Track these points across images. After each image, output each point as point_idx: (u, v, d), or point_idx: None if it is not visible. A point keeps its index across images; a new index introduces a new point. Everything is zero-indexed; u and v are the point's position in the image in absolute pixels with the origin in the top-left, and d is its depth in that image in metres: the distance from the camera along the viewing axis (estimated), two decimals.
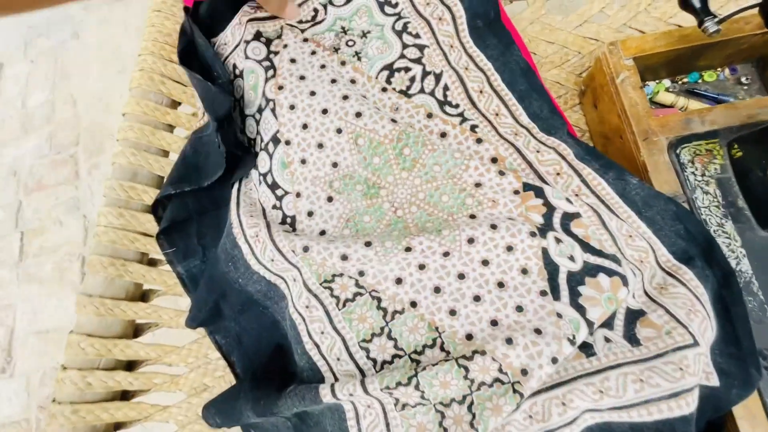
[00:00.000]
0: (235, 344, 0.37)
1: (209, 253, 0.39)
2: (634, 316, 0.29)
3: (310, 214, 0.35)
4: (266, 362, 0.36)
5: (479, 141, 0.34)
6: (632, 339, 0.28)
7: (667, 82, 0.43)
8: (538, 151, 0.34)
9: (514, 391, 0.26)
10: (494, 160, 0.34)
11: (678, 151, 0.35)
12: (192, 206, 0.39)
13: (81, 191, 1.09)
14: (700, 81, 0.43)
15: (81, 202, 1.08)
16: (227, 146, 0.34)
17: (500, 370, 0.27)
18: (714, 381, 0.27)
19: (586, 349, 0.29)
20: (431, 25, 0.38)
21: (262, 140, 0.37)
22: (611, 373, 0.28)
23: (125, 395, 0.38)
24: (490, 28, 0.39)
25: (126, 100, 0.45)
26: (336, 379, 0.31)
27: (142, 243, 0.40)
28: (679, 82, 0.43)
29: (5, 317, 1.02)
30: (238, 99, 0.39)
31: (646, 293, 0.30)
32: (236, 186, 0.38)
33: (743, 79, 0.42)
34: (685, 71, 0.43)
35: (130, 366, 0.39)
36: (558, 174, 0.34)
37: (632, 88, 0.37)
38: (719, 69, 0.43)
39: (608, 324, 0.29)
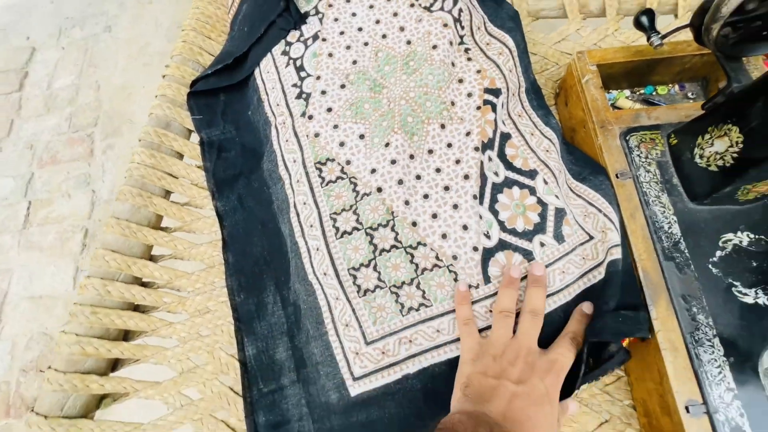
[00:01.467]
0: (231, 213, 0.45)
1: (228, 126, 0.48)
2: (560, 216, 0.37)
3: (323, 92, 0.44)
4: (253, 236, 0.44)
5: (470, 59, 0.43)
6: (559, 237, 0.36)
7: (627, 92, 0.51)
8: (511, 71, 0.44)
9: (450, 271, 0.35)
10: (479, 71, 0.42)
11: (627, 138, 0.42)
12: (220, 88, 0.49)
13: (93, 168, 1.15)
14: (654, 93, 0.51)
15: (92, 178, 1.14)
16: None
17: (437, 258, 0.36)
18: (617, 254, 0.35)
19: (528, 255, 0.35)
20: None
21: (302, 35, 0.47)
22: (547, 270, 0.35)
23: (137, 310, 0.42)
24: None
25: (165, 69, 0.52)
26: (306, 243, 0.39)
27: (168, 182, 0.46)
28: (637, 93, 0.51)
29: (0, 280, 1.04)
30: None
31: (568, 190, 0.39)
32: (258, 75, 0.47)
33: (689, 95, 0.50)
34: (641, 84, 0.51)
35: (145, 285, 0.43)
36: (513, 94, 0.44)
37: (594, 88, 0.45)
38: (670, 85, 0.51)
39: (541, 228, 0.36)
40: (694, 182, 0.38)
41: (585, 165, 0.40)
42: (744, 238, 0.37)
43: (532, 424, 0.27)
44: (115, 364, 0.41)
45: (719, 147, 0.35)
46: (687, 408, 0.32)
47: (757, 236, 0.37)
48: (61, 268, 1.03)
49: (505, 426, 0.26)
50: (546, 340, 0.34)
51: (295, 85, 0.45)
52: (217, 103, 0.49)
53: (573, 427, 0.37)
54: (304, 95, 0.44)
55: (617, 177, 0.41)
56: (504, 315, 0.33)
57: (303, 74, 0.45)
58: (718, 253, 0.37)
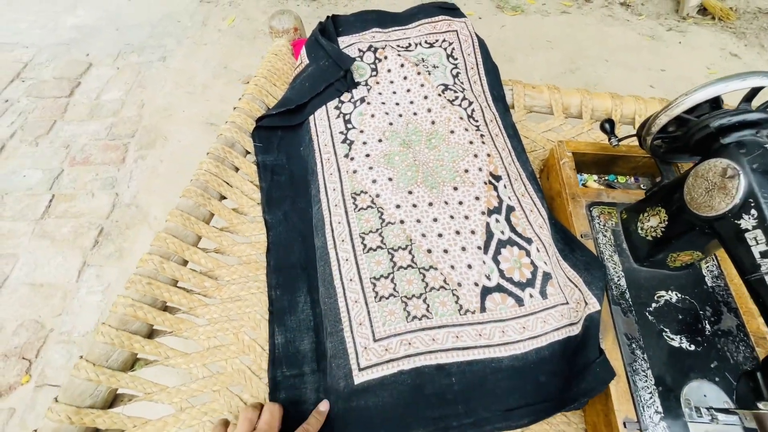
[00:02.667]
0: (277, 225, 0.55)
1: (281, 155, 0.60)
2: (546, 278, 0.46)
3: (364, 143, 0.56)
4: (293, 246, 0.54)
5: (483, 143, 0.56)
6: (544, 294, 0.45)
7: (595, 177, 0.65)
8: (510, 164, 0.56)
9: (453, 294, 0.44)
10: (489, 155, 0.55)
11: (591, 209, 0.55)
12: (279, 126, 0.62)
13: (121, 173, 1.24)
14: (615, 181, 0.65)
15: (118, 182, 1.23)
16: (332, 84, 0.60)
17: (445, 282, 0.45)
18: (595, 308, 0.44)
19: (519, 301, 0.44)
20: (470, 83, 0.64)
21: (352, 97, 0.61)
22: (531, 317, 0.43)
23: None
24: (500, 100, 0.64)
25: (238, 102, 0.65)
26: (337, 254, 0.48)
27: (225, 189, 0.56)
28: (602, 179, 0.65)
29: (4, 264, 1.08)
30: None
31: (554, 261, 0.48)
32: (312, 121, 0.60)
33: (642, 186, 0.64)
34: (606, 172, 0.65)
35: (191, 271, 0.51)
36: (516, 180, 0.55)
37: (569, 169, 0.58)
38: (628, 176, 0.65)
39: (531, 283, 0.45)
40: (637, 248, 0.50)
41: (566, 243, 0.51)
42: (673, 296, 0.48)
43: None
44: (151, 334, 0.47)
45: (653, 222, 0.47)
46: (624, 424, 0.40)
47: (682, 296, 0.48)
48: (68, 259, 1.08)
49: None
50: (515, 376, 0.41)
51: (341, 133, 0.57)
52: (275, 136, 0.61)
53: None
54: (348, 141, 0.56)
55: (581, 237, 0.52)
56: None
57: (349, 126, 0.58)
58: (653, 305, 0.47)
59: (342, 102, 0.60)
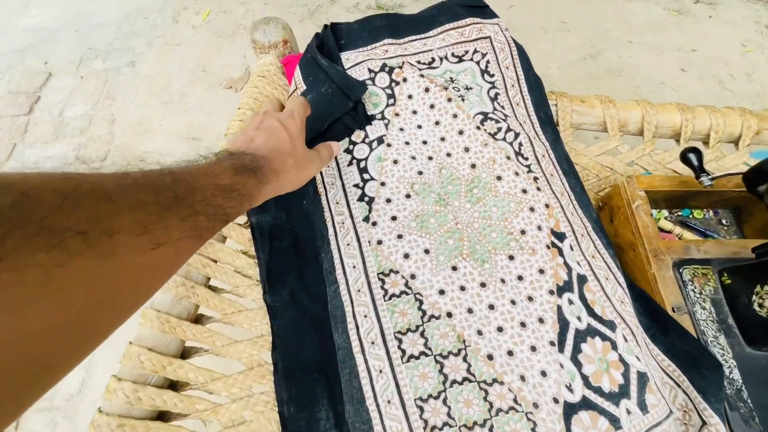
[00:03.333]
0: (283, 310, 0.42)
1: (280, 212, 0.47)
2: (642, 381, 0.35)
3: (388, 200, 0.43)
4: (302, 340, 0.41)
5: (539, 189, 0.43)
6: (643, 406, 0.34)
7: (665, 212, 0.54)
8: (572, 214, 0.44)
9: (528, 419, 0.33)
10: (547, 206, 0.43)
11: (680, 270, 0.43)
12: None
13: None
14: (690, 216, 0.53)
15: None
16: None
17: (515, 401, 0.33)
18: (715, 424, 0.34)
19: (615, 422, 0.34)
20: (512, 105, 0.51)
21: (367, 137, 0.47)
22: None
23: (162, 415, 0.38)
24: (547, 123, 0.52)
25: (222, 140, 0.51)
26: (366, 362, 0.36)
27: (212, 269, 0.44)
28: (675, 214, 0.54)
29: None
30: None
31: (644, 350, 0.37)
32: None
33: (723, 221, 0.53)
34: (680, 206, 0.53)
35: (174, 386, 0.40)
36: (583, 235, 0.43)
37: (645, 214, 0.46)
38: (705, 209, 0.54)
39: (625, 393, 0.35)
40: (753, 329, 0.39)
41: (653, 318, 0.40)
42: None
43: (270, 145, 0.35)
44: None
45: None
46: None
47: None
48: None
49: (251, 150, 0.34)
50: None
51: (356, 186, 0.45)
52: None
53: None
54: (366, 198, 0.44)
55: (674, 311, 0.41)
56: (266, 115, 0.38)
57: (366, 176, 0.45)
58: None
59: (353, 143, 0.47)
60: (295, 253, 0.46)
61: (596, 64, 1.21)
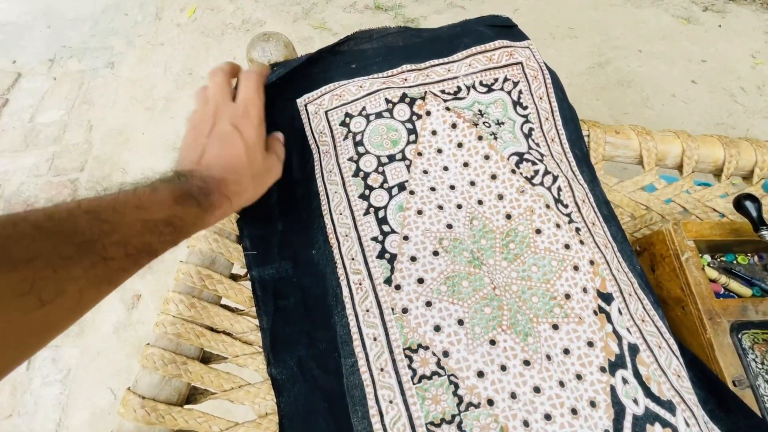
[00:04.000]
0: (290, 384, 0.36)
1: (285, 263, 0.40)
2: None
3: (413, 259, 0.37)
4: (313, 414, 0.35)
5: (582, 242, 0.38)
6: None
7: (708, 257, 0.49)
8: (618, 270, 0.39)
9: None
10: (592, 263, 0.37)
11: (740, 336, 0.39)
12: (277, 216, 0.42)
13: None
14: (734, 261, 0.49)
15: None
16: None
17: None
18: None
19: None
20: (547, 141, 0.45)
21: (386, 181, 0.40)
22: None
23: None
24: (583, 161, 0.46)
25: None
26: None
27: (207, 338, 0.37)
28: (718, 260, 0.49)
29: None
30: (357, 135, 0.43)
31: None
32: (325, 203, 0.42)
33: None
34: (724, 251, 0.49)
35: None
36: (630, 295, 0.38)
37: (696, 268, 0.41)
38: (750, 254, 0.49)
39: None
40: None
41: (712, 393, 0.35)
42: None
43: (223, 159, 0.32)
44: None
45: None
46: None
47: None
48: None
49: (201, 171, 0.30)
50: None
51: (375, 239, 0.38)
52: (273, 233, 0.42)
53: None
54: (387, 255, 0.38)
55: (734, 384, 0.37)
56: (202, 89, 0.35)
57: (386, 228, 0.39)
58: None
59: (371, 188, 0.41)
60: (303, 312, 0.39)
61: (605, 74, 1.17)
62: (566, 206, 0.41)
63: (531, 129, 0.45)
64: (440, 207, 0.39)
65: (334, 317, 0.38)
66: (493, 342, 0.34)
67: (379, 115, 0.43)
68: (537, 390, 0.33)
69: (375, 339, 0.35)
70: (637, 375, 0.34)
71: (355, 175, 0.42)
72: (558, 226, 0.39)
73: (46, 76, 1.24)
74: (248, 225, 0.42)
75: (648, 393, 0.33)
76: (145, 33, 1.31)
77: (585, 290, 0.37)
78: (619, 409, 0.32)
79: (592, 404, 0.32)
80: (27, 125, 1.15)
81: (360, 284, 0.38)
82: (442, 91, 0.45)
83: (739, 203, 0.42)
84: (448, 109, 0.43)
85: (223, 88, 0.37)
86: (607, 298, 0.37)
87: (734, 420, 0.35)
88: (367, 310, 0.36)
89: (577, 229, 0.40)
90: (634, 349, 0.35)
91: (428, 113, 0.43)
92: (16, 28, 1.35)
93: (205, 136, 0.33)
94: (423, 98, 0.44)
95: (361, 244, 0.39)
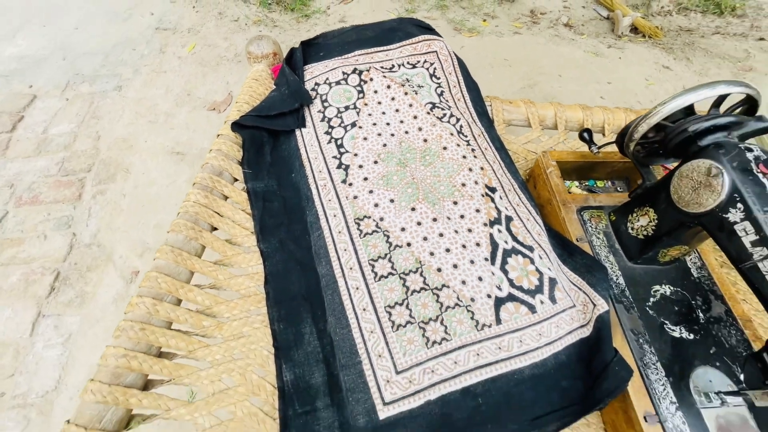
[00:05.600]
0: (273, 253, 0.52)
1: (272, 181, 0.58)
2: (553, 283, 0.47)
3: (360, 166, 0.55)
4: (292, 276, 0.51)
5: (475, 157, 0.57)
6: (552, 300, 0.46)
7: (576, 183, 0.69)
8: (502, 176, 0.58)
9: (468, 310, 0.44)
10: (482, 168, 0.56)
11: (582, 214, 0.57)
12: (268, 150, 0.60)
13: (78, 211, 1.14)
14: (594, 185, 0.69)
15: (74, 221, 1.12)
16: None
17: (458, 299, 0.44)
18: (603, 308, 0.45)
19: (532, 309, 0.45)
20: (454, 100, 0.65)
21: (342, 122, 0.60)
22: (545, 323, 0.44)
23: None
24: (483, 115, 0.66)
25: (221, 129, 0.62)
26: (346, 283, 0.47)
27: (216, 220, 0.53)
28: (583, 184, 0.69)
29: None
30: (323, 95, 0.63)
31: (556, 266, 0.50)
32: (302, 147, 0.59)
33: (618, 188, 0.69)
34: (585, 178, 0.69)
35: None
36: (510, 191, 0.57)
37: (556, 177, 0.61)
38: (605, 180, 0.70)
39: (540, 291, 0.46)
40: (629, 247, 0.53)
41: (564, 248, 0.53)
42: (667, 289, 0.51)
43: None
44: (146, 386, 0.43)
45: (643, 222, 0.50)
46: (645, 418, 0.41)
47: (675, 288, 0.51)
48: (19, 311, 0.96)
49: None
50: (539, 385, 0.42)
51: (335, 158, 0.57)
52: (263, 162, 0.59)
53: None
54: (343, 166, 0.56)
55: (577, 241, 0.55)
56: None
57: (342, 150, 0.57)
58: (651, 300, 0.50)
59: (332, 127, 0.60)
60: (283, 211, 0.56)
61: (534, 93, 1.45)
62: (465, 136, 0.61)
63: (442, 91, 0.65)
64: (379, 134, 0.58)
65: (306, 212, 0.55)
66: (413, 209, 0.51)
67: (337, 83, 0.64)
68: (441, 235, 0.50)
69: (335, 216, 0.52)
70: (508, 229, 0.52)
71: (322, 120, 0.61)
72: (458, 145, 0.58)
73: (60, 98, 1.42)
74: (247, 152, 0.59)
75: (515, 239, 0.51)
76: (150, 63, 1.53)
77: (476, 183, 0.55)
78: (494, 247, 0.49)
79: (477, 244, 0.49)
80: (40, 136, 1.31)
81: (324, 185, 0.55)
82: (382, 68, 0.66)
83: (580, 134, 0.62)
84: (384, 77, 0.64)
85: None
86: (492, 189, 0.56)
87: (576, 260, 0.52)
88: (329, 200, 0.54)
89: (473, 150, 0.59)
90: (509, 218, 0.53)
91: (371, 79, 0.63)
92: (34, 59, 1.54)
93: None
94: (368, 70, 0.64)
95: (325, 161, 0.57)
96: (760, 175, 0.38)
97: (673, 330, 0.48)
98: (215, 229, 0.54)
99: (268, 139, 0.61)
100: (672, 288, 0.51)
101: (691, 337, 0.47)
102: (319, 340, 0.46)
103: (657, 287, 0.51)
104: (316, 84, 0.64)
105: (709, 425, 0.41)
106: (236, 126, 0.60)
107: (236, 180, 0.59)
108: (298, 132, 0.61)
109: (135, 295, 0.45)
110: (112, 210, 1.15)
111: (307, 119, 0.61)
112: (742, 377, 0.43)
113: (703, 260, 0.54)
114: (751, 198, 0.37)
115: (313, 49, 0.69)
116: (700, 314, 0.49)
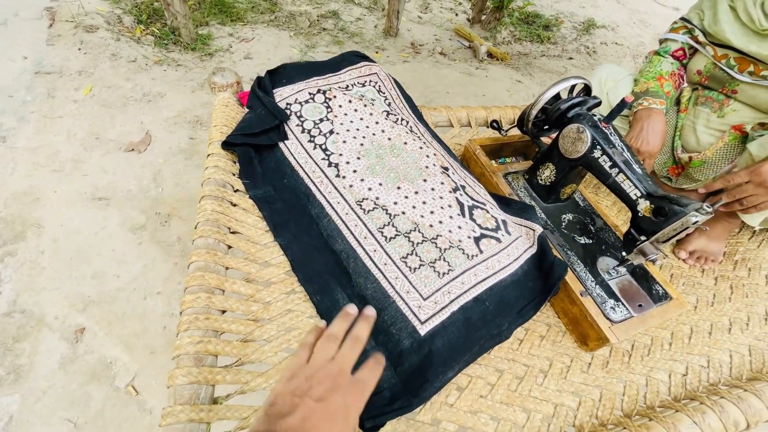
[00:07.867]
0: (290, 245, 0.61)
1: (268, 188, 0.67)
2: (505, 223, 0.67)
3: (347, 162, 0.68)
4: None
5: (428, 147, 0.75)
6: (508, 233, 0.66)
7: (492, 161, 0.93)
8: (447, 159, 0.76)
9: (459, 248, 0.60)
10: (435, 155, 0.74)
11: (507, 177, 0.80)
12: (256, 163, 0.69)
13: None
14: (505, 162, 0.94)
15: None
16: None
17: (450, 242, 0.61)
18: (539, 230, 0.66)
19: (498, 240, 0.64)
20: (399, 109, 0.83)
21: (320, 131, 0.72)
22: (509, 247, 0.63)
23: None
24: (420, 118, 0.85)
25: (210, 149, 0.68)
26: (365, 249, 0.59)
27: (234, 223, 0.60)
28: (497, 162, 0.94)
29: None
30: (297, 112, 0.74)
31: (502, 214, 0.69)
32: (287, 152, 0.70)
33: (521, 161, 0.95)
34: (499, 157, 0.94)
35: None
36: (456, 169, 0.75)
37: (482, 156, 0.83)
38: (511, 157, 0.95)
39: (498, 228, 0.65)
40: (541, 193, 0.77)
41: (502, 202, 0.74)
42: (570, 216, 0.75)
43: None
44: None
45: (547, 173, 0.74)
46: (581, 294, 0.63)
47: (574, 215, 0.76)
48: None
49: None
50: (516, 287, 0.60)
51: (324, 159, 0.68)
52: (256, 173, 0.68)
53: (529, 330, 0.62)
54: (333, 164, 0.68)
55: (509, 195, 0.76)
56: (329, 338, 0.37)
57: (328, 152, 0.69)
58: (563, 224, 0.73)
59: (314, 136, 0.71)
60: (287, 211, 0.65)
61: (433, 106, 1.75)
62: (416, 133, 0.79)
63: (390, 102, 0.83)
64: (354, 137, 0.72)
65: (308, 207, 0.65)
66: (398, 188, 0.66)
67: (306, 101, 0.76)
68: (424, 203, 0.65)
69: (338, 203, 0.64)
70: (466, 193, 0.70)
71: (302, 132, 0.72)
72: (414, 140, 0.76)
73: None
74: (242, 165, 0.67)
75: (472, 199, 0.69)
76: (38, 110, 1.36)
77: (434, 165, 0.73)
78: (461, 206, 0.67)
79: (449, 206, 0.66)
80: None
81: (321, 181, 0.66)
82: (339, 87, 0.80)
83: (491, 123, 0.86)
84: (344, 94, 0.78)
85: (352, 353, 0.36)
86: (446, 168, 0.74)
87: (513, 207, 0.73)
88: (330, 192, 0.65)
89: (424, 142, 0.77)
90: (463, 186, 0.72)
91: (335, 96, 0.77)
92: None
93: (314, 400, 0.30)
94: (330, 90, 0.78)
95: (316, 163, 0.68)
96: (604, 128, 0.63)
97: (580, 239, 0.72)
98: (234, 232, 0.60)
99: (255, 155, 0.70)
100: (573, 215, 0.76)
101: (591, 241, 0.72)
102: (351, 300, 0.57)
103: (564, 215, 0.75)
104: (288, 104, 0.75)
105: (614, 290, 0.65)
106: (226, 144, 0.67)
107: (237, 190, 0.66)
108: (282, 145, 0.71)
109: (185, 293, 0.49)
110: (29, 270, 1.01)
111: (289, 133, 0.72)
112: (623, 254, 0.68)
113: (584, 195, 0.81)
114: (602, 141, 0.62)
115: (276, 77, 0.79)
116: (591, 227, 0.75)
